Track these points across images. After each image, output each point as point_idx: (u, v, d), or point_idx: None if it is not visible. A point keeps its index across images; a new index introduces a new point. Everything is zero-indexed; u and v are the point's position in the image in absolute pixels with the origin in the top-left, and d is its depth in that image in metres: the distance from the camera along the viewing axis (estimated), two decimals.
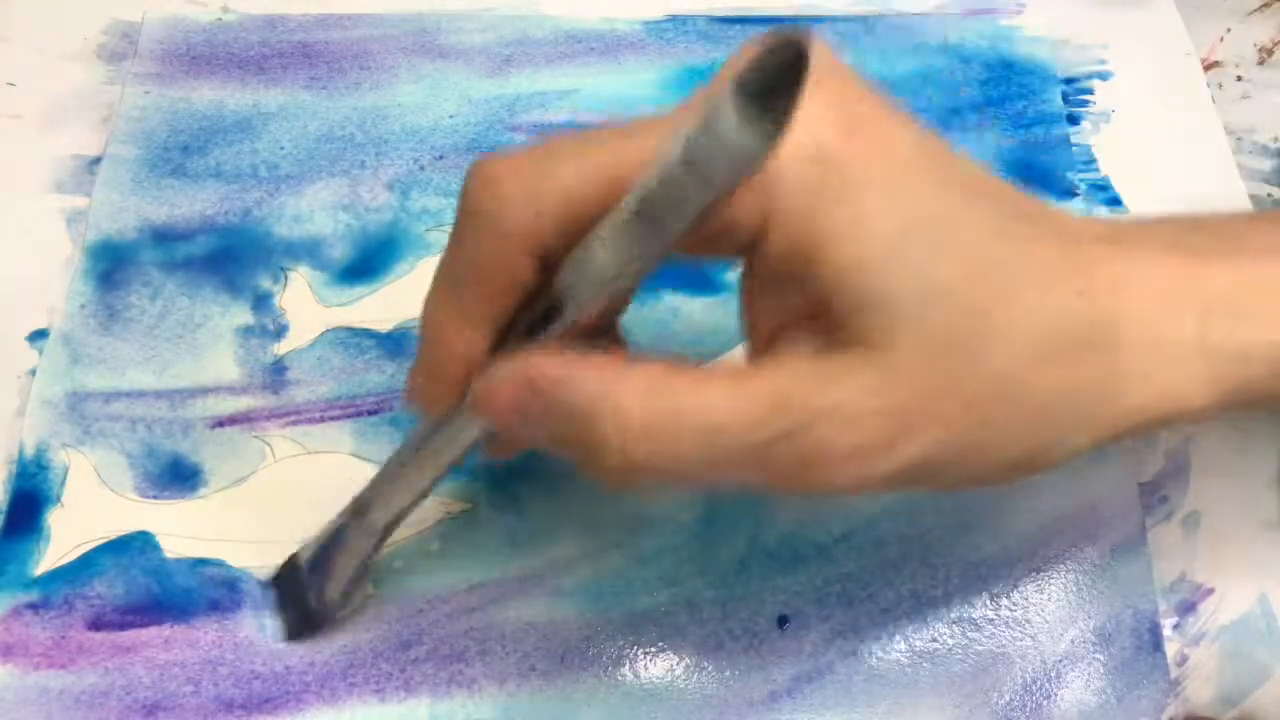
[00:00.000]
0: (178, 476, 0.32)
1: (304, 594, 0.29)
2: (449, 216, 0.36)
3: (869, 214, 0.21)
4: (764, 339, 0.24)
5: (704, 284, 0.35)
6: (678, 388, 0.22)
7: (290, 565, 0.30)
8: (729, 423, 0.21)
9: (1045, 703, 0.30)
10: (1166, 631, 0.31)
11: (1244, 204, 0.38)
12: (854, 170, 0.21)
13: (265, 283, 0.35)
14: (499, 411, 0.23)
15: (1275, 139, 0.40)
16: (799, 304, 0.23)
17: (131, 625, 0.30)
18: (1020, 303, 0.22)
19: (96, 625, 0.29)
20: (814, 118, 0.20)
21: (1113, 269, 0.24)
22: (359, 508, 0.28)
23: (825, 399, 0.21)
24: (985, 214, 0.23)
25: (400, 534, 0.31)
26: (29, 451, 0.32)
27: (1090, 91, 0.40)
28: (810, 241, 0.21)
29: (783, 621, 0.30)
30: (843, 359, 0.22)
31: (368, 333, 0.34)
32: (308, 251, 0.36)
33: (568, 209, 0.22)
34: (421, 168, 0.38)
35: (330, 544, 0.29)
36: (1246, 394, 0.25)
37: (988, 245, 0.22)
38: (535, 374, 0.22)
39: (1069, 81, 0.40)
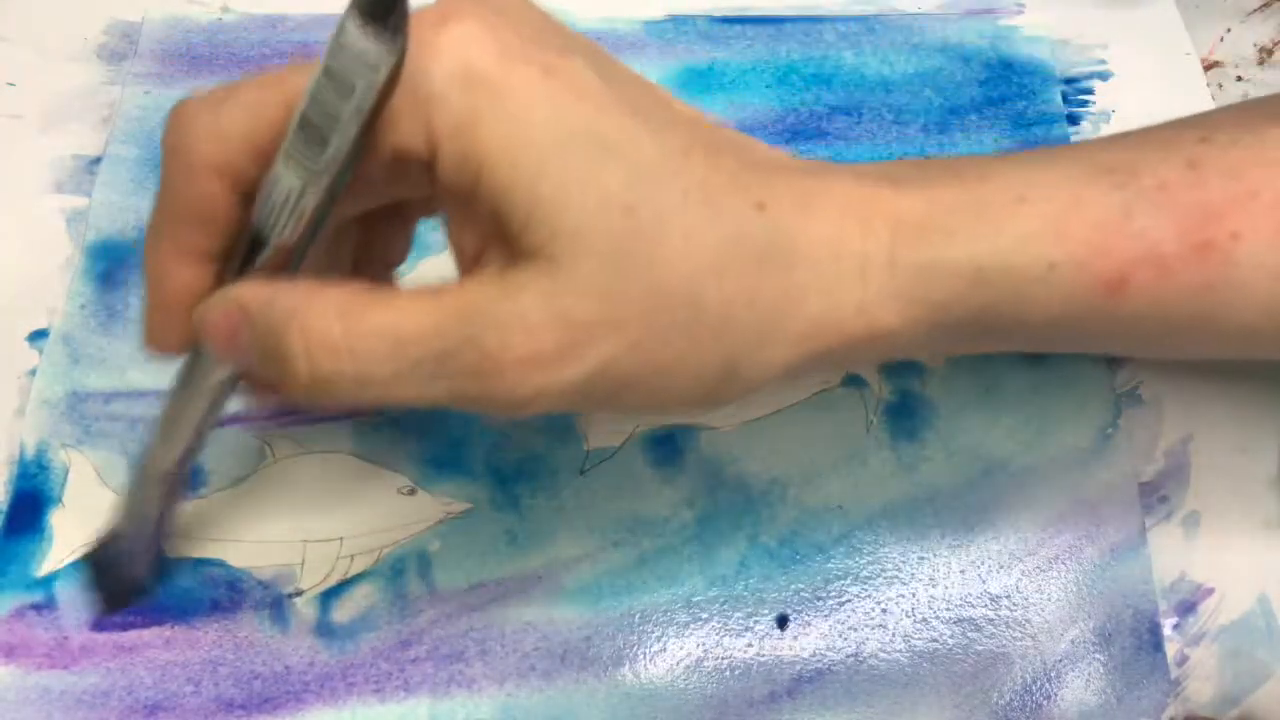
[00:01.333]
0: None
1: (119, 564, 0.29)
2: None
3: (525, 131, 0.22)
4: (467, 266, 0.24)
5: None
6: (368, 303, 0.22)
7: (103, 540, 0.30)
8: (413, 332, 0.22)
9: (1045, 703, 0.30)
10: (1166, 631, 0.31)
11: None
12: (507, 90, 0.22)
13: None
14: (214, 338, 0.24)
15: None
16: (487, 227, 0.23)
17: (132, 625, 0.30)
18: (692, 214, 0.23)
19: (98, 626, 0.29)
20: (466, 41, 0.22)
21: (800, 187, 0.24)
22: (141, 463, 0.28)
23: (502, 307, 0.22)
24: (654, 132, 0.23)
25: (400, 534, 0.31)
26: (29, 452, 0.32)
27: (1090, 91, 0.40)
28: (473, 161, 0.22)
29: (783, 621, 0.30)
30: (521, 271, 0.22)
31: None
32: None
33: (251, 139, 0.23)
34: None
35: (128, 507, 0.29)
36: (945, 316, 0.25)
37: (656, 159, 0.23)
38: (242, 298, 0.23)
39: (1069, 81, 0.40)
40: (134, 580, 0.30)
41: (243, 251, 0.24)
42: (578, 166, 0.22)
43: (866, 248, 0.24)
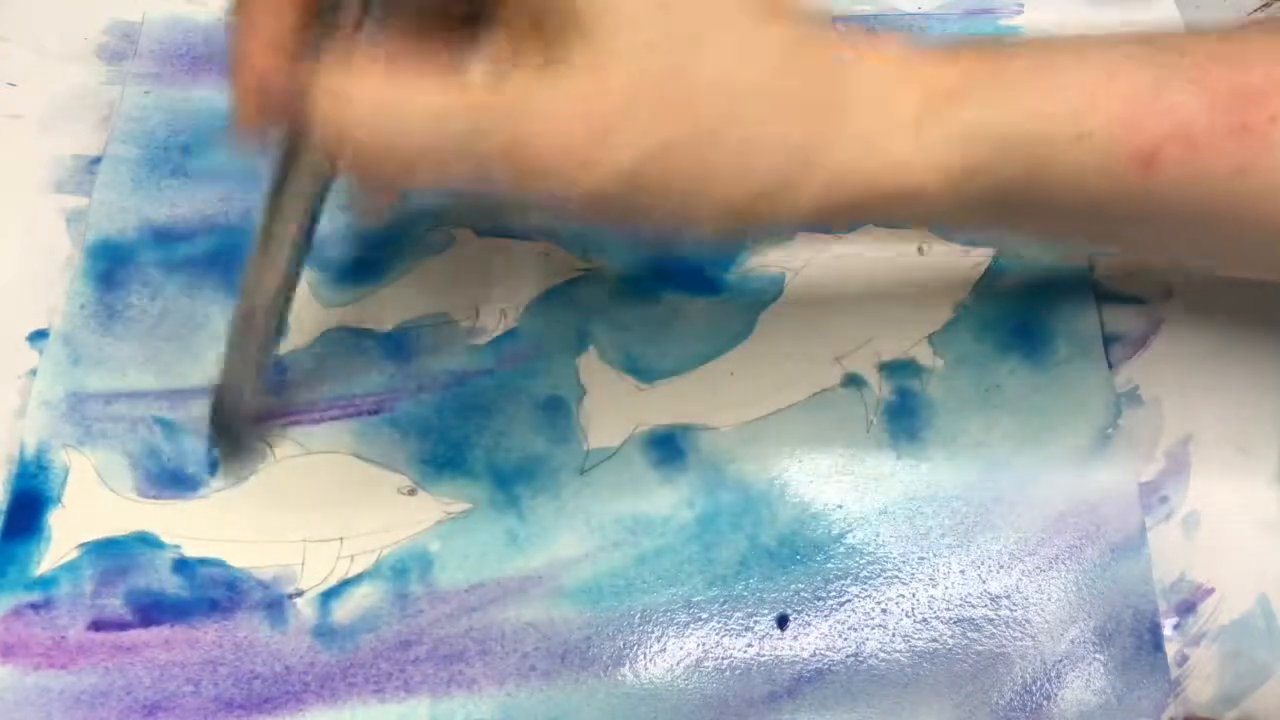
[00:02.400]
0: (178, 477, 0.32)
1: (233, 414, 0.30)
2: (449, 216, 0.37)
3: None
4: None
5: (704, 284, 0.35)
6: (409, 77, 0.23)
7: (216, 395, 0.31)
8: (449, 108, 0.23)
9: (1045, 703, 0.30)
10: (1166, 631, 0.31)
11: None
12: None
13: None
14: (274, 113, 0.25)
15: None
16: (526, 27, 0.23)
17: (131, 625, 0.30)
18: (737, 34, 0.23)
19: (97, 625, 0.29)
20: None
21: (851, 42, 0.25)
22: (240, 304, 0.28)
23: (536, 95, 0.23)
24: None
25: (400, 534, 0.31)
26: (29, 452, 0.32)
27: None
28: None
29: (783, 621, 0.30)
30: (559, 65, 0.23)
31: (368, 333, 0.34)
32: None
33: None
34: None
35: (230, 356, 0.29)
36: (970, 184, 0.25)
37: None
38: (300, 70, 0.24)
39: None
40: (242, 431, 0.31)
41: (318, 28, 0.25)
42: None
43: (897, 108, 0.25)
